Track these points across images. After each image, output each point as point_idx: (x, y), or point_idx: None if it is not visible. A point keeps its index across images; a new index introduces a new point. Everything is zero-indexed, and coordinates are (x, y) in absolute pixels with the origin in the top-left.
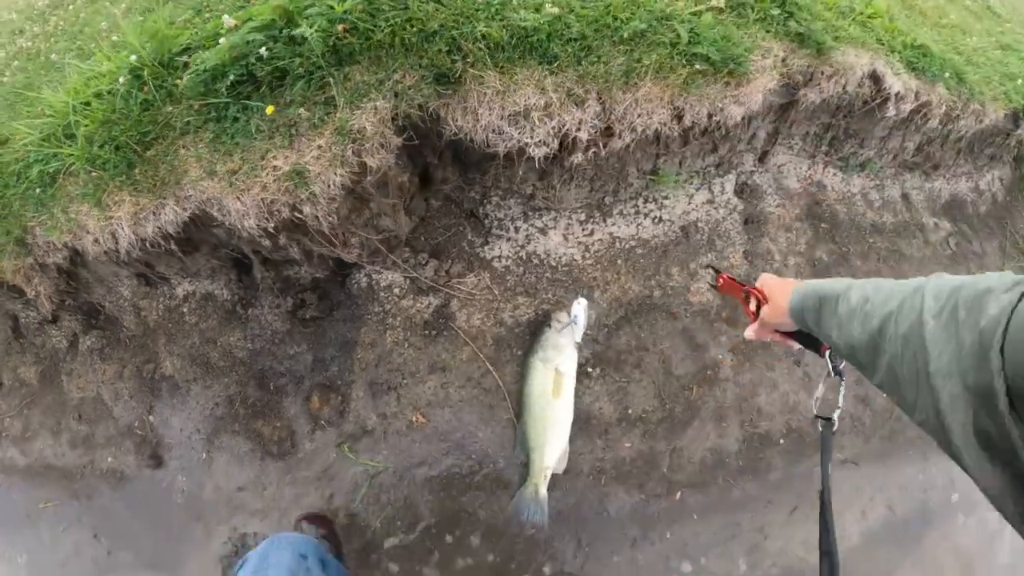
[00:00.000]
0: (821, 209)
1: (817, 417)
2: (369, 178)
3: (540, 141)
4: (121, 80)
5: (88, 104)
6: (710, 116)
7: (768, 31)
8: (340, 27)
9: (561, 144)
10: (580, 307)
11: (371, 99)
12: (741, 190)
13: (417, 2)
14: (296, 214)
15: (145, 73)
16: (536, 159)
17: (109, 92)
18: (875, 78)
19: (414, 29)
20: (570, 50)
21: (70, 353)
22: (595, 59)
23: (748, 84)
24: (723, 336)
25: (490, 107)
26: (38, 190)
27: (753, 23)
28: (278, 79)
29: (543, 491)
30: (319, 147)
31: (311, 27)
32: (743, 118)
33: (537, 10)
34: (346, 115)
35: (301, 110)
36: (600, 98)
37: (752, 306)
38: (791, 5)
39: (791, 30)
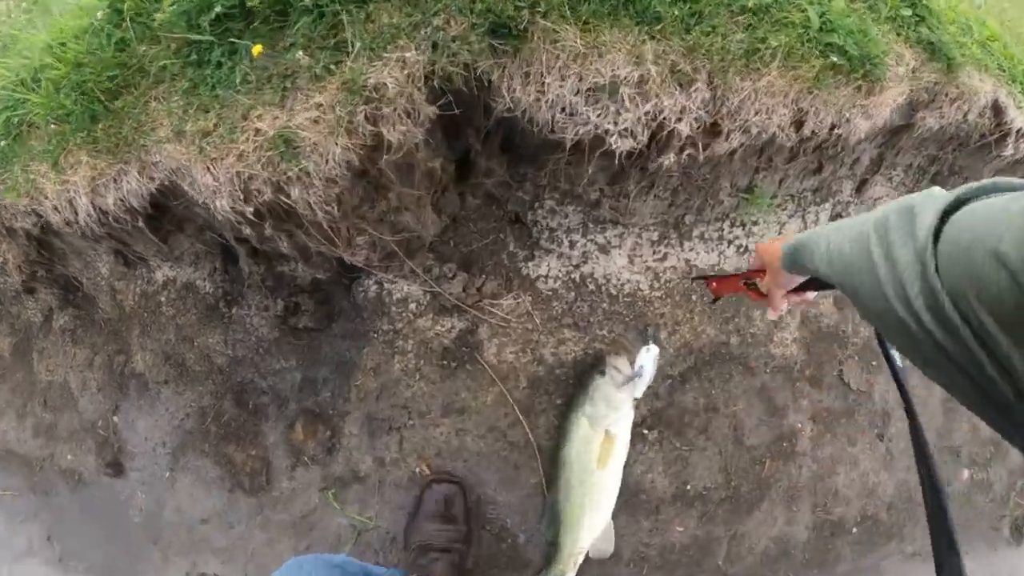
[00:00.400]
0: None
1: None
2: (387, 157)
3: (626, 130)
4: (99, 15)
5: (63, 44)
6: (832, 128)
7: (899, 34)
8: None
9: (651, 138)
10: (650, 357)
11: (399, 48)
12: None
13: None
14: (282, 197)
15: (125, 6)
16: (617, 154)
17: (86, 30)
18: (997, 109)
19: None
20: (678, 12)
21: (43, 330)
22: (709, 29)
23: (881, 93)
24: (805, 399)
25: (563, 75)
26: (3, 142)
27: (884, 20)
28: (278, 14)
29: None
30: (318, 106)
31: None
32: (865, 135)
33: None
34: (361, 65)
35: (300, 54)
36: (711, 82)
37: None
38: (923, 8)
39: (922, 37)
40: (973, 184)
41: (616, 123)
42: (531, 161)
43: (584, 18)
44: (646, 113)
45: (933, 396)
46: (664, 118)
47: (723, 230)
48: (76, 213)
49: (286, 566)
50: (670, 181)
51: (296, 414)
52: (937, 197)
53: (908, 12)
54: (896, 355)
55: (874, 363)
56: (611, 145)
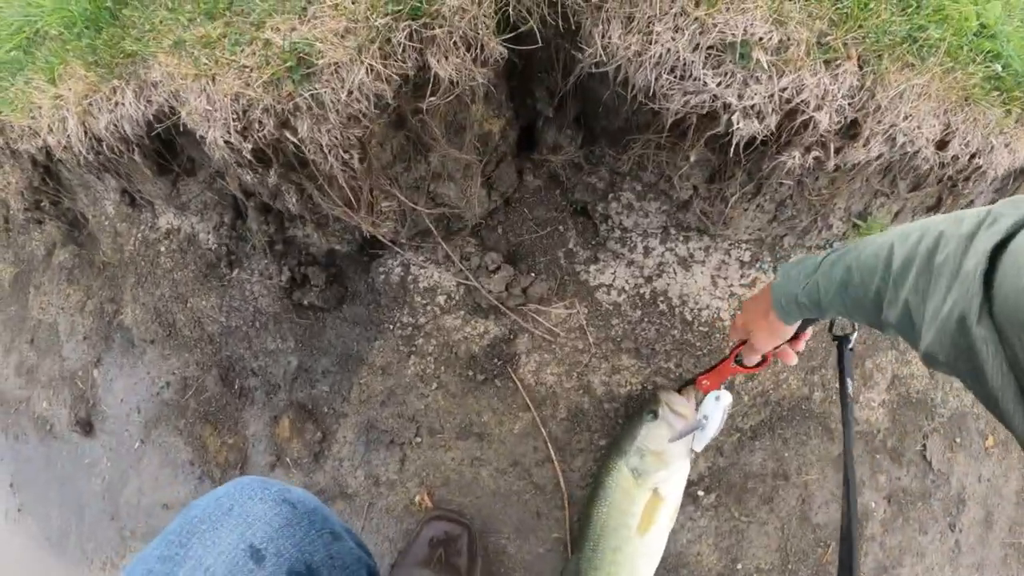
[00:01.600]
0: None
1: (835, 337)
2: (433, 99)
3: (753, 107)
4: None
5: None
6: (973, 156)
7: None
8: None
9: (779, 126)
10: (719, 406)
11: None
12: None
13: None
14: (287, 134)
15: None
16: (733, 140)
17: None
18: None
19: None
20: None
21: (43, 264)
22: (864, 3)
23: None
24: (883, 475)
25: (678, 25)
26: (12, 52)
27: None
28: None
29: None
30: (348, 14)
31: None
32: (1003, 172)
33: None
34: None
35: None
36: (862, 68)
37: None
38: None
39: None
40: None
41: (742, 96)
42: (613, 140)
43: None
44: (782, 90)
45: (1009, 483)
46: (802, 101)
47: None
48: (68, 136)
49: (225, 489)
50: (780, 190)
51: (285, 405)
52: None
53: None
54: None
55: (958, 440)
56: (730, 126)
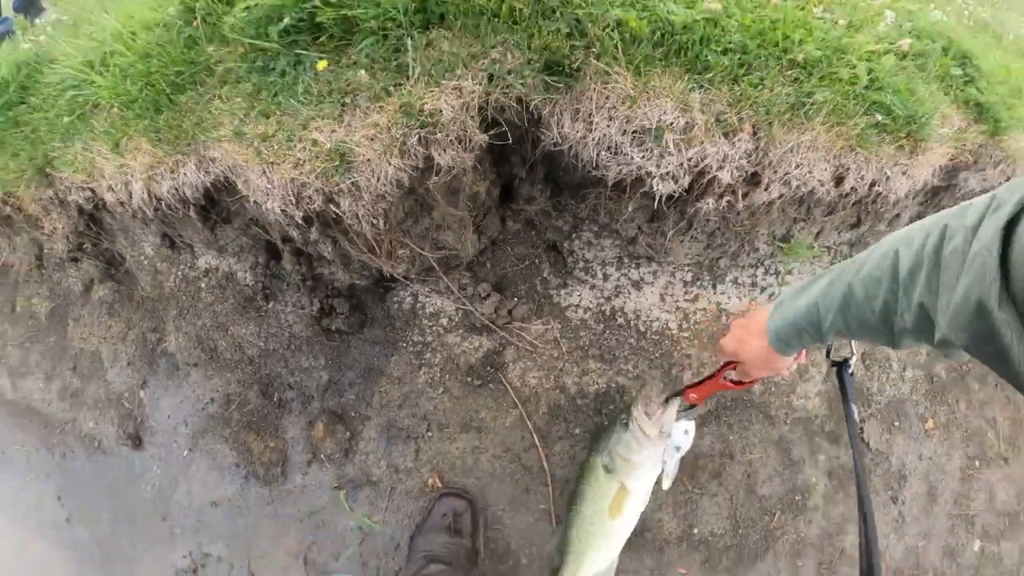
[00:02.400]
0: None
1: (833, 364)
2: (436, 179)
3: (668, 173)
4: (172, 11)
5: (134, 33)
6: (872, 185)
7: (947, 93)
8: None
9: (692, 183)
10: (685, 437)
11: (456, 77)
12: None
13: None
14: (332, 207)
15: (198, 6)
16: (657, 196)
17: (157, 23)
18: None
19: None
20: (727, 63)
21: (82, 299)
22: (756, 81)
23: (923, 154)
24: (822, 454)
25: (611, 116)
26: (65, 118)
27: (934, 79)
28: (344, 31)
29: None
30: (375, 125)
31: None
32: (905, 194)
33: (690, 5)
34: (419, 90)
35: (363, 73)
36: (756, 133)
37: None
38: (972, 68)
39: (970, 97)
40: None
41: (659, 166)
42: (573, 193)
43: (636, 63)
44: (689, 159)
45: (952, 461)
46: (706, 165)
47: (756, 276)
48: (130, 195)
49: None
50: (708, 225)
51: (318, 412)
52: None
53: (958, 71)
54: (854, 409)
55: (896, 424)
56: (653, 187)
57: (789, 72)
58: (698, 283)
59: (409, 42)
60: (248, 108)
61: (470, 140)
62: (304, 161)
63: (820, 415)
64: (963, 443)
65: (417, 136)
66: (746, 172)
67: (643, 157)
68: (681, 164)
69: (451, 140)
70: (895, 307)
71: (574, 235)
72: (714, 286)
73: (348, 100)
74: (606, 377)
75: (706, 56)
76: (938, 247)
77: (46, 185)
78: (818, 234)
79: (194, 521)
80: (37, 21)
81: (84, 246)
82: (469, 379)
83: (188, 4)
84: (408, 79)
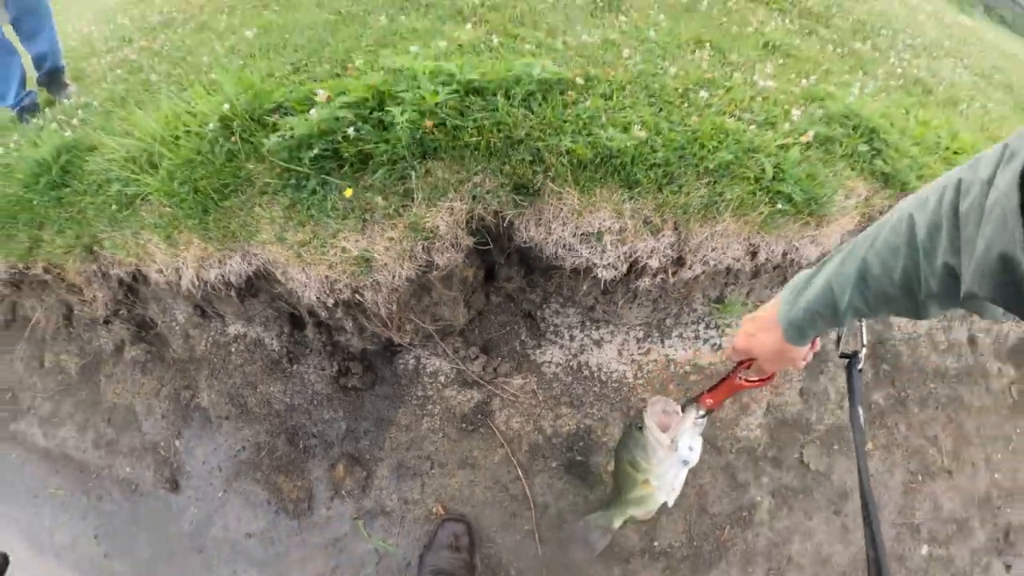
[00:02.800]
0: (885, 349)
1: (842, 355)
2: (435, 273)
3: (609, 264)
4: (211, 126)
5: (176, 138)
6: (784, 254)
7: (853, 168)
8: (428, 123)
9: (630, 268)
10: (691, 453)
11: (449, 199)
12: None
13: (508, 106)
14: (357, 296)
15: (235, 124)
16: (602, 279)
17: (198, 134)
18: None
19: (501, 134)
20: (652, 176)
21: (114, 358)
22: (676, 188)
23: (827, 225)
24: (765, 477)
25: (564, 223)
26: (114, 207)
27: (840, 159)
28: (361, 161)
29: (616, 526)
30: (390, 239)
31: (401, 114)
32: (818, 257)
33: (625, 129)
34: (422, 211)
35: (379, 198)
36: (676, 229)
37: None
38: (879, 142)
39: (876, 169)
40: None
41: (601, 259)
42: (542, 274)
43: (581, 182)
44: (624, 252)
45: (894, 477)
46: (638, 256)
47: (699, 331)
48: (180, 279)
49: None
50: (650, 294)
51: (339, 456)
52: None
53: (865, 148)
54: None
55: (836, 447)
56: (599, 274)
57: (704, 178)
58: (649, 339)
59: (412, 173)
60: (286, 218)
61: (460, 244)
62: (336, 264)
63: (763, 443)
64: (904, 460)
65: (421, 246)
66: (671, 257)
67: (590, 253)
68: (618, 256)
69: (446, 246)
70: (917, 275)
71: (545, 305)
72: (662, 341)
73: (368, 216)
74: (575, 420)
75: (636, 174)
76: (955, 203)
77: (91, 260)
78: (748, 292)
79: (229, 552)
80: (62, 98)
81: (120, 312)
82: (463, 425)
83: (226, 121)
84: (413, 202)
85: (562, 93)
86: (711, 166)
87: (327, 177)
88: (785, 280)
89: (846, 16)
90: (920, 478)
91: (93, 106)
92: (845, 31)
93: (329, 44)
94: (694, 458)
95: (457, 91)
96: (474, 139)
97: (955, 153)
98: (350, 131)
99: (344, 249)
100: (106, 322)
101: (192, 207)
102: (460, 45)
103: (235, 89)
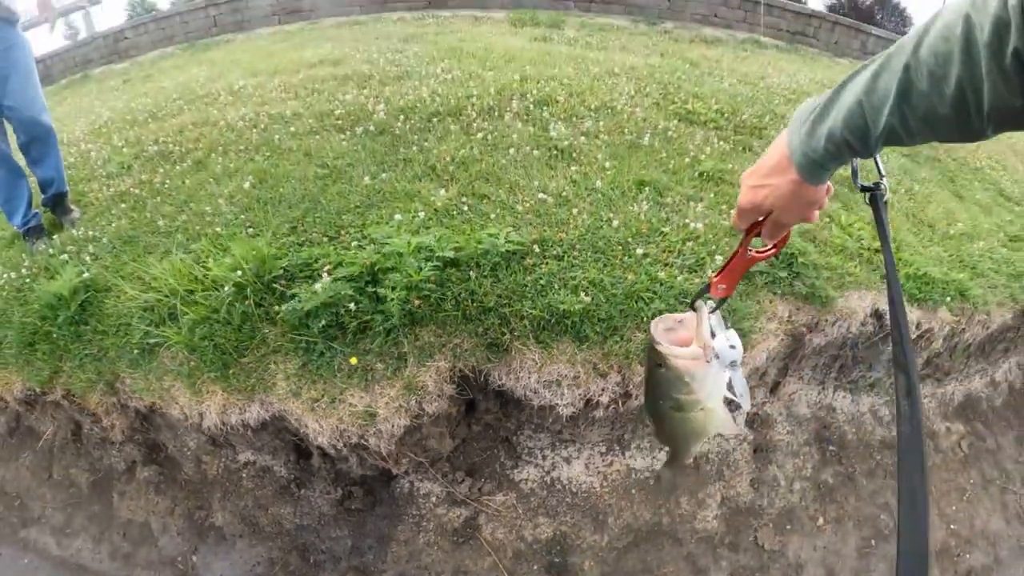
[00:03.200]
0: (829, 432)
1: (863, 189)
2: (426, 418)
3: (568, 403)
4: (226, 289)
5: (192, 292)
6: None
7: (775, 293)
8: (416, 301)
9: (586, 403)
10: (734, 351)
11: (435, 360)
12: (752, 421)
13: (479, 277)
14: (362, 440)
15: (248, 291)
16: (563, 414)
17: (214, 293)
18: (878, 315)
19: (474, 304)
20: (599, 330)
21: (126, 476)
22: (619, 339)
23: (753, 348)
24: (724, 560)
25: (530, 373)
26: (136, 351)
27: (761, 288)
28: (361, 330)
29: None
30: (390, 397)
31: (392, 291)
32: (752, 370)
33: (575, 292)
34: (414, 371)
35: (378, 364)
36: (620, 371)
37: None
38: (798, 266)
39: (796, 291)
40: None
41: (561, 400)
42: (516, 407)
43: (542, 339)
44: (579, 394)
45: (848, 544)
46: (591, 395)
47: (655, 442)
48: (202, 420)
49: None
50: (607, 418)
51: (346, 569)
52: None
53: (784, 273)
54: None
55: (788, 527)
56: (560, 411)
57: (642, 327)
58: (611, 452)
59: (405, 340)
60: (299, 376)
61: (445, 394)
62: (345, 417)
63: (719, 532)
64: (856, 529)
65: (414, 400)
66: (619, 392)
67: (551, 395)
68: (575, 397)
69: (434, 397)
70: (975, 86)
71: (519, 432)
72: (623, 453)
73: (370, 377)
74: (552, 527)
75: (585, 330)
76: None
77: (112, 393)
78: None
79: None
80: (66, 221)
81: (136, 437)
82: (455, 538)
83: (240, 287)
84: (406, 364)
85: (522, 259)
86: (648, 315)
87: (332, 344)
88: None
89: (777, 123)
90: (874, 542)
91: (103, 242)
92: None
93: (321, 203)
94: (738, 352)
95: (437, 266)
96: (453, 309)
97: (876, 251)
98: (351, 306)
99: (351, 404)
100: (119, 443)
101: (214, 360)
102: (436, 210)
103: (244, 252)
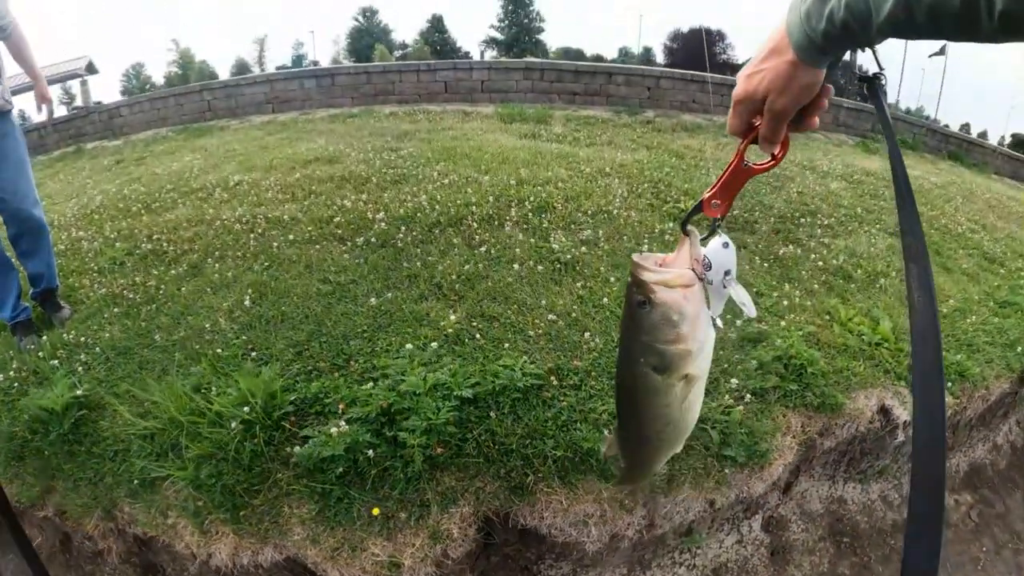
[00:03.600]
0: (843, 524)
1: (861, 79)
2: (449, 563)
3: (595, 539)
4: (233, 425)
5: (195, 423)
6: (737, 495)
7: (787, 407)
8: (438, 449)
9: (612, 536)
10: (727, 251)
11: (459, 506)
12: (767, 525)
13: (498, 416)
14: None
15: (256, 429)
16: (591, 548)
17: (219, 427)
18: (884, 411)
19: (496, 446)
20: (623, 465)
21: None
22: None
23: (771, 465)
24: None
25: (555, 513)
26: (136, 481)
27: (774, 403)
28: (380, 475)
29: None
30: (415, 547)
31: (412, 436)
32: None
33: (597, 427)
34: (438, 518)
35: (401, 512)
36: (645, 505)
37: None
38: (807, 377)
39: (808, 401)
40: None
41: (588, 537)
42: (536, 538)
43: (568, 479)
44: (607, 529)
45: None
46: (618, 530)
47: (675, 558)
48: (210, 558)
49: None
50: (631, 543)
51: None
52: None
53: (795, 387)
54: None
55: None
56: (586, 547)
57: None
58: (632, 573)
59: (427, 486)
60: (316, 521)
61: (468, 538)
62: (367, 567)
63: None
64: None
65: (439, 548)
66: (645, 520)
67: (577, 533)
68: (601, 533)
69: (459, 541)
70: None
71: (540, 561)
72: (644, 572)
73: (391, 525)
74: None
75: (609, 466)
76: None
77: (108, 519)
78: (713, 520)
79: None
80: (56, 318)
81: (133, 559)
82: None
83: (248, 423)
84: (430, 512)
85: (540, 390)
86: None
87: (350, 490)
88: (741, 501)
89: (768, 215)
90: None
91: (95, 351)
92: (768, 235)
93: (326, 325)
94: (733, 256)
95: (456, 407)
96: (475, 452)
97: (876, 345)
98: (369, 453)
99: (374, 554)
100: (113, 561)
101: (222, 501)
102: (447, 336)
103: (251, 386)
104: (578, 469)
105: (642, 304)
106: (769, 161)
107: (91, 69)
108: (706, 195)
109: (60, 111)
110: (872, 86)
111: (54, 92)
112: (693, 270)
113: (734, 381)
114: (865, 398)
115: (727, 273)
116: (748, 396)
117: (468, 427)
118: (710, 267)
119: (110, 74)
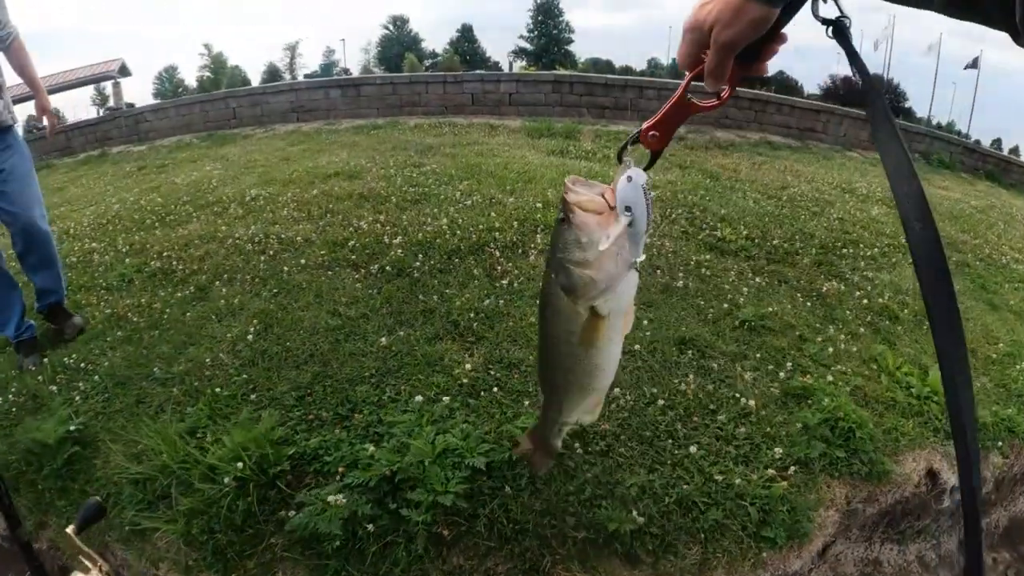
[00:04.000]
0: None
1: (824, 21)
2: None
3: None
4: (226, 481)
5: (188, 469)
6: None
7: (833, 476)
8: (444, 530)
9: None
10: (638, 186)
11: None
12: None
13: (513, 491)
14: None
15: (251, 487)
16: None
17: (211, 482)
18: (932, 475)
19: (509, 523)
20: (651, 548)
21: None
22: (673, 555)
23: (810, 544)
24: None
25: None
26: (128, 528)
27: (819, 473)
28: (382, 549)
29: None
30: None
31: (416, 511)
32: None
33: (624, 505)
34: None
35: None
36: None
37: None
38: (855, 442)
39: (855, 469)
40: None
41: None
42: None
43: (590, 563)
44: None
45: None
46: None
47: None
48: None
49: None
50: None
51: None
52: None
53: (842, 454)
54: None
55: None
56: None
57: (696, 538)
58: None
59: (432, 568)
60: None
61: None
62: None
63: None
64: None
65: None
66: None
67: None
68: None
69: None
70: None
71: None
72: None
73: None
74: None
75: (636, 548)
76: None
77: (102, 558)
78: None
79: None
80: (65, 330)
81: None
82: None
83: (242, 480)
84: None
85: (562, 458)
86: (703, 526)
87: (347, 565)
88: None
89: (808, 246)
90: None
91: (94, 379)
92: (810, 268)
93: (332, 366)
94: (641, 176)
95: (466, 477)
96: (485, 528)
97: (925, 400)
98: (369, 527)
99: None
100: None
101: (214, 561)
102: (461, 386)
103: (245, 440)
104: (601, 553)
105: (561, 221)
106: (713, 100)
107: (124, 71)
108: (645, 125)
109: (92, 112)
110: (837, 28)
111: (86, 93)
112: (604, 196)
113: (778, 450)
114: (913, 461)
115: (628, 209)
116: (793, 468)
117: (479, 501)
118: (628, 211)
119: (143, 75)
